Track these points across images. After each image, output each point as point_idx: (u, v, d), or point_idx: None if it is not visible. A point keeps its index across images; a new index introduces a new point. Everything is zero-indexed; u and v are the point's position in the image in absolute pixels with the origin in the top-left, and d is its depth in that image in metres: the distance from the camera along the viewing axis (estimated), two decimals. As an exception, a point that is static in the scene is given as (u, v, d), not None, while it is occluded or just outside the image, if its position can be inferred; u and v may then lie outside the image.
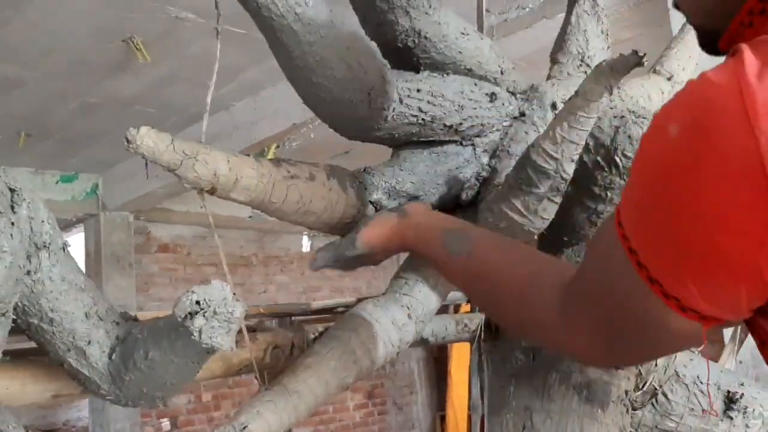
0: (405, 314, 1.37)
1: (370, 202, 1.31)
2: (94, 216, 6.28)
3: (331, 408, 7.53)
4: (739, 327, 2.33)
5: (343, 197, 1.25)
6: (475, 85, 1.47)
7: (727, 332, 2.53)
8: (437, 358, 8.22)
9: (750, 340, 3.09)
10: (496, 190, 1.37)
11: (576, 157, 1.27)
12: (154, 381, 0.99)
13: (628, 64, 1.16)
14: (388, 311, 1.35)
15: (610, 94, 1.21)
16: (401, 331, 1.35)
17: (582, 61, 1.66)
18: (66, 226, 6.51)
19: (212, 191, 1.10)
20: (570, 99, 1.25)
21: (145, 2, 3.81)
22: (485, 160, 1.48)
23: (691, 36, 2.02)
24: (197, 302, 0.87)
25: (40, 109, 4.90)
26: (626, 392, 1.38)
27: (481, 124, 1.46)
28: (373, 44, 1.29)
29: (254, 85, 4.85)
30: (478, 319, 1.64)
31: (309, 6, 1.16)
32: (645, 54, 1.16)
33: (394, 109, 1.32)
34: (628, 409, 1.38)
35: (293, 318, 1.42)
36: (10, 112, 4.88)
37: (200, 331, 0.87)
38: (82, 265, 5.33)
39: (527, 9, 3.82)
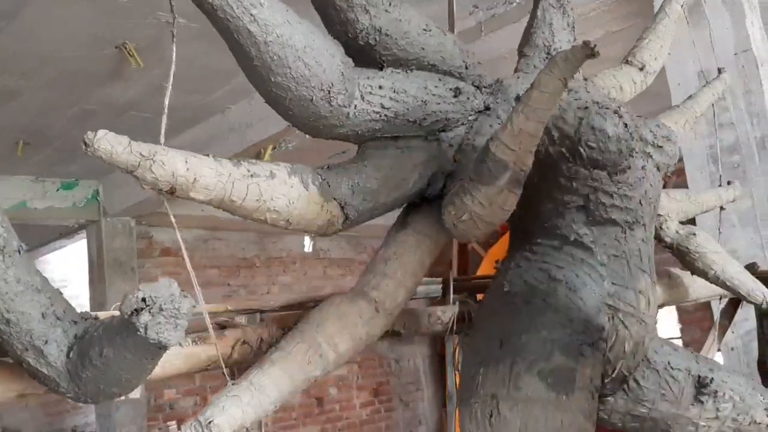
0: (373, 308, 1.39)
1: (334, 198, 1.33)
2: (96, 222, 6.33)
3: (338, 406, 7.56)
4: (719, 314, 2.35)
5: (305, 194, 1.27)
6: (440, 80, 1.49)
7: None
8: (442, 354, 8.23)
9: (742, 327, 3.10)
10: (460, 183, 1.39)
11: (534, 149, 1.28)
12: (109, 377, 1.01)
13: (580, 55, 1.18)
14: (356, 305, 1.38)
15: (566, 85, 1.23)
16: (368, 325, 1.37)
17: (548, 53, 1.68)
18: (68, 232, 6.57)
19: (172, 191, 1.12)
20: (526, 92, 1.26)
21: (136, 9, 3.84)
22: (450, 154, 1.50)
23: (663, 26, 2.03)
24: (143, 299, 0.89)
25: (37, 117, 4.94)
26: (591, 378, 1.40)
27: (446, 119, 1.49)
28: (333, 42, 1.32)
29: (249, 87, 4.81)
30: (451, 312, 1.66)
31: (264, 7, 1.19)
32: (596, 45, 1.18)
33: (355, 106, 1.34)
34: (593, 395, 1.40)
35: (263, 314, 1.44)
36: (8, 121, 4.92)
37: (146, 327, 0.89)
38: (85, 272, 5.30)
39: (514, 4, 3.84)
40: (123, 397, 1.40)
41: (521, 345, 1.40)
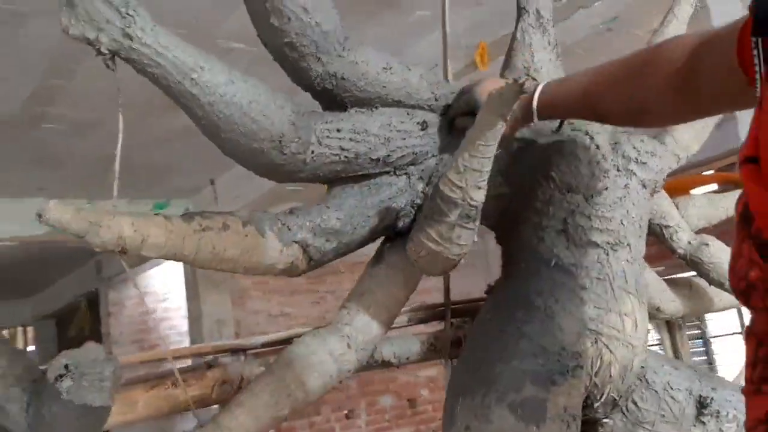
0: (344, 344, 1.43)
1: (295, 241, 1.37)
2: (188, 238, 6.62)
3: (430, 407, 7.61)
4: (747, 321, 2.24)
5: (261, 242, 1.32)
6: (407, 114, 1.51)
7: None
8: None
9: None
10: (418, 219, 1.41)
11: (483, 184, 1.29)
12: (62, 432, 1.10)
13: (512, 93, 1.19)
14: (326, 343, 1.42)
15: (505, 121, 1.23)
16: (339, 362, 1.41)
17: (528, 75, 1.67)
18: (163, 250, 6.89)
19: (123, 251, 1.20)
20: (469, 130, 1.27)
21: (193, 39, 4.01)
22: (420, 187, 1.52)
23: (672, 29, 1.97)
24: (65, 366, 0.97)
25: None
26: (566, 408, 1.38)
27: (414, 153, 1.50)
28: (282, 94, 1.36)
29: (309, 106, 4.99)
30: (445, 338, 1.67)
31: (204, 70, 1.25)
32: (524, 82, 1.18)
33: (312, 151, 1.38)
34: (569, 425, 1.38)
35: (247, 352, 1.50)
36: (93, 152, 5.24)
37: (68, 392, 0.97)
38: (182, 288, 5.53)
39: (560, 3, 3.76)
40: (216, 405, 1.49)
41: (494, 375, 1.40)
